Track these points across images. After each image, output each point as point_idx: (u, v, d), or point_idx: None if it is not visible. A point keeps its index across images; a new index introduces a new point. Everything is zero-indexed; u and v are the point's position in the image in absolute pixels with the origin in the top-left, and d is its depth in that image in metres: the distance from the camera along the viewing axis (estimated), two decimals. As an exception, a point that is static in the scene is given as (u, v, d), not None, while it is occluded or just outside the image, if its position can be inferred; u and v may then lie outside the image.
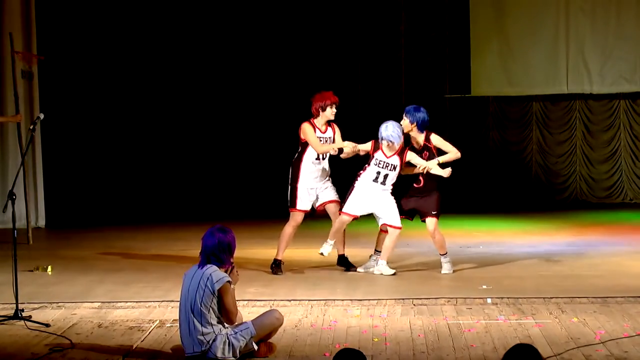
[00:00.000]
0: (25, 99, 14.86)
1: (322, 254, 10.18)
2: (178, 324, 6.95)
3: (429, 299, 8.77)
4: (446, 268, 10.29)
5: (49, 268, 10.68)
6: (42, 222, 15.57)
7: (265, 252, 11.59)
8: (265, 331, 6.89)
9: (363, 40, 17.90)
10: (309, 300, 8.81)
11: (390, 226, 10.09)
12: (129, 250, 12.47)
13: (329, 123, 10.32)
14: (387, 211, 10.09)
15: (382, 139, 10.00)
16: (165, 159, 17.46)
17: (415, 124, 10.16)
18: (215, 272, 6.74)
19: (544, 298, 8.70)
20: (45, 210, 15.67)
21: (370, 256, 10.44)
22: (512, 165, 18.50)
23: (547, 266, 10.73)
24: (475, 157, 18.35)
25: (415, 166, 10.14)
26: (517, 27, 18.10)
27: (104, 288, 9.62)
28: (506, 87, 18.26)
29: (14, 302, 8.11)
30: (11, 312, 8.13)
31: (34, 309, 8.54)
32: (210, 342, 6.69)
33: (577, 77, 18.09)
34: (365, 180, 10.10)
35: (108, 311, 8.51)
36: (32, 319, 7.99)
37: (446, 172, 10.04)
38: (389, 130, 9.96)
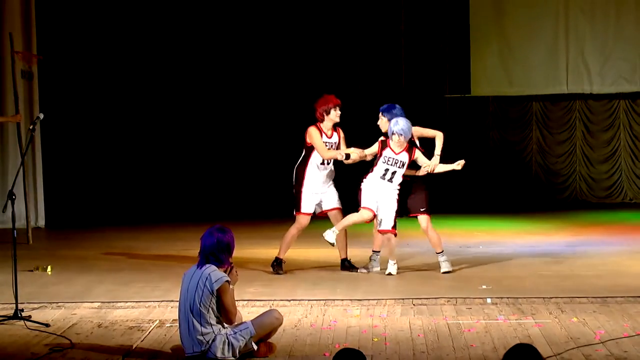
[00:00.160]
0: (25, 99, 14.86)
1: (328, 240, 10.11)
2: (178, 324, 6.95)
3: (429, 298, 8.77)
4: (445, 266, 10.30)
5: (49, 268, 10.68)
6: (41, 222, 15.57)
7: (265, 252, 11.59)
8: (265, 331, 6.89)
9: (363, 40, 17.90)
10: (308, 300, 8.81)
11: (386, 231, 10.07)
12: (129, 250, 12.47)
13: (334, 128, 10.33)
14: (387, 214, 10.08)
15: (392, 134, 10.03)
16: (165, 159, 17.46)
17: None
18: (214, 272, 6.74)
19: (543, 298, 8.70)
20: (45, 210, 15.68)
21: (370, 257, 10.45)
22: (512, 165, 18.50)
23: (546, 266, 10.73)
24: (475, 157, 18.35)
25: (417, 168, 10.18)
26: (517, 27, 18.10)
27: (103, 288, 9.62)
28: (506, 87, 18.27)
29: (14, 302, 8.10)
30: (11, 312, 8.13)
31: (33, 309, 8.54)
32: (210, 342, 6.69)
33: (577, 77, 18.09)
34: (372, 177, 10.11)
35: (108, 311, 8.51)
36: (31, 319, 7.99)
37: (458, 165, 10.24)
38: (400, 125, 10.02)
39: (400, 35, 18.16)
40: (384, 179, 10.08)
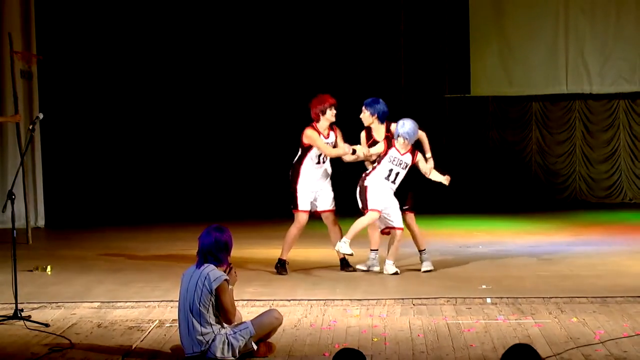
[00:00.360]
0: (24, 98, 14.86)
1: (345, 253, 10.13)
2: (177, 324, 6.95)
3: (429, 298, 8.77)
4: (427, 265, 10.29)
5: (49, 268, 10.67)
6: (41, 222, 15.57)
7: (265, 252, 11.60)
8: (265, 331, 6.88)
9: (362, 40, 17.90)
10: (308, 300, 8.81)
11: (394, 228, 10.10)
12: (129, 250, 12.47)
13: (331, 127, 10.33)
14: (394, 212, 10.10)
15: (398, 136, 10.05)
16: (165, 159, 17.46)
17: (376, 115, 10.32)
18: (212, 271, 6.74)
19: (543, 298, 8.69)
20: (44, 210, 15.67)
21: (369, 256, 10.45)
22: (511, 165, 18.50)
23: (546, 266, 10.73)
24: (474, 157, 18.38)
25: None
26: (516, 27, 18.10)
27: (103, 288, 9.62)
28: (506, 87, 18.27)
29: (14, 302, 8.10)
30: (11, 312, 8.12)
31: (33, 308, 8.54)
32: (210, 342, 6.69)
33: (577, 77, 18.09)
34: (376, 177, 10.10)
35: (107, 311, 8.51)
36: (31, 319, 7.99)
37: (446, 180, 10.26)
38: (406, 127, 10.05)
39: (399, 35, 18.16)
40: (388, 179, 10.08)
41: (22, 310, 8.15)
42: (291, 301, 8.76)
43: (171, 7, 17.43)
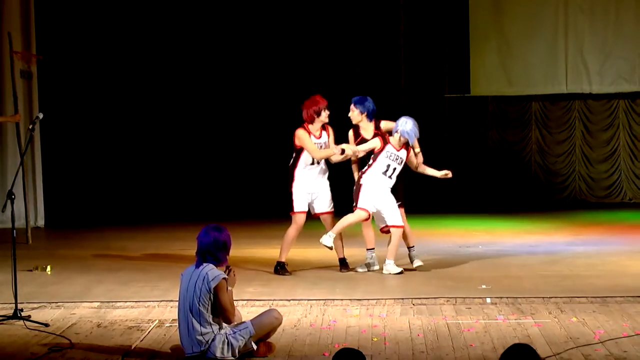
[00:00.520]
0: (24, 98, 14.87)
1: (325, 245, 10.14)
2: (177, 325, 6.95)
3: (428, 298, 8.76)
4: (418, 261, 10.28)
5: (48, 268, 10.67)
6: (41, 222, 15.58)
7: (264, 252, 11.60)
8: (264, 330, 6.88)
9: (362, 40, 17.89)
10: (308, 300, 8.81)
11: (394, 226, 10.12)
12: (128, 250, 12.48)
13: (323, 127, 10.35)
14: (391, 210, 10.12)
15: (396, 131, 10.09)
16: (164, 159, 17.46)
17: (365, 114, 10.35)
18: (211, 271, 6.74)
19: (543, 298, 8.69)
20: (44, 210, 15.68)
21: (367, 256, 10.45)
22: (511, 164, 18.51)
23: (546, 266, 10.73)
24: (474, 156, 18.38)
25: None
26: (516, 27, 18.11)
27: (103, 288, 9.62)
28: (505, 86, 18.27)
29: (13, 301, 8.09)
30: (10, 311, 8.12)
31: (33, 308, 8.54)
32: (209, 341, 6.69)
33: (576, 76, 18.10)
34: (373, 174, 10.12)
35: (107, 311, 8.51)
36: (31, 319, 7.98)
37: (443, 174, 10.32)
38: (409, 126, 10.11)
39: (399, 35, 18.16)
40: (385, 175, 10.11)
41: (21, 310, 8.14)
42: (291, 301, 8.76)
43: (171, 7, 17.42)
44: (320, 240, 10.13)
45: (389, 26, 18.08)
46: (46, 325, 7.86)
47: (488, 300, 8.69)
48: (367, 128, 10.41)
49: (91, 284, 9.83)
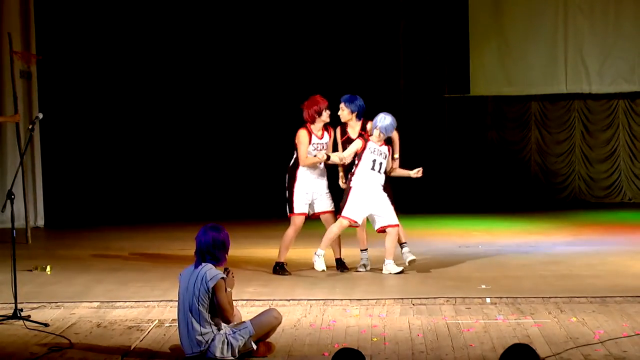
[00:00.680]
0: (24, 98, 14.87)
1: (318, 269, 10.13)
2: (177, 325, 6.94)
3: (428, 298, 8.76)
4: (409, 256, 10.27)
5: (48, 268, 10.67)
6: (41, 222, 15.58)
7: (264, 252, 11.60)
8: (264, 330, 6.88)
9: (362, 40, 17.88)
10: (307, 300, 8.80)
11: (390, 226, 10.12)
12: (128, 250, 12.48)
13: (324, 127, 10.35)
14: (385, 210, 10.11)
15: (375, 127, 10.10)
16: (163, 159, 17.45)
17: (355, 113, 10.35)
18: (209, 270, 6.74)
19: (542, 298, 8.69)
20: (44, 210, 15.68)
21: (361, 256, 10.45)
22: (511, 164, 18.51)
23: (545, 266, 10.72)
24: (474, 156, 18.38)
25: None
26: (515, 27, 18.11)
27: (102, 288, 9.62)
28: (505, 86, 18.27)
29: (13, 301, 8.09)
30: (10, 311, 8.12)
31: (32, 308, 8.54)
32: (209, 342, 6.69)
33: (576, 76, 18.10)
34: (362, 172, 10.11)
35: (107, 311, 8.51)
36: (31, 319, 7.98)
37: (413, 173, 10.34)
38: (387, 122, 10.12)
39: (399, 35, 18.16)
40: (374, 170, 10.10)
41: (21, 310, 8.14)
42: (290, 301, 8.76)
43: (171, 7, 17.42)
44: (315, 267, 10.10)
45: (389, 26, 18.07)
46: (46, 325, 7.86)
47: (488, 300, 8.69)
48: (354, 127, 10.41)
49: (91, 284, 9.83)
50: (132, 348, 7.16)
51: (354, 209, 10.09)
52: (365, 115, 10.43)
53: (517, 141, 18.68)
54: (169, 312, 8.28)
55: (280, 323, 7.07)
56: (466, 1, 18.05)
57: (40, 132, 15.34)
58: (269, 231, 13.50)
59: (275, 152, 15.57)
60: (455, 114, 18.42)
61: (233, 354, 6.72)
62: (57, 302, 8.81)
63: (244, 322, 6.92)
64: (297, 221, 10.31)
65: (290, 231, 10.33)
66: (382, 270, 10.18)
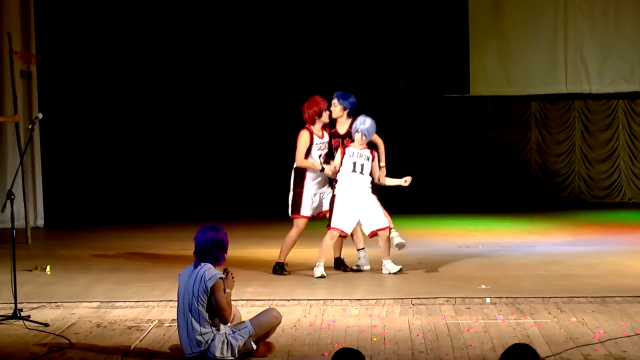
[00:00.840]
0: (23, 98, 14.87)
1: (318, 277, 10.11)
2: (177, 325, 6.94)
3: (428, 298, 8.76)
4: (398, 239, 10.22)
5: (48, 268, 10.67)
6: (40, 222, 15.57)
7: (264, 251, 11.60)
8: (264, 330, 6.88)
9: (362, 41, 17.88)
10: (307, 299, 8.80)
11: (379, 230, 10.08)
12: (128, 250, 12.48)
13: (324, 127, 10.36)
14: (373, 214, 10.06)
15: (357, 131, 10.06)
16: (163, 159, 17.45)
17: (348, 110, 10.35)
18: (208, 270, 6.74)
19: (542, 298, 8.69)
20: (44, 209, 15.68)
21: (358, 256, 10.45)
22: (511, 164, 18.50)
23: (545, 266, 10.72)
24: (474, 156, 18.38)
25: None
26: (516, 27, 18.11)
27: (102, 288, 9.62)
28: (505, 86, 18.27)
29: (13, 301, 8.09)
30: (10, 311, 8.12)
31: (32, 308, 8.54)
32: (209, 342, 6.69)
33: (576, 76, 18.09)
34: (343, 178, 10.06)
35: (107, 311, 8.51)
36: (30, 319, 7.99)
37: (404, 181, 10.26)
38: (367, 124, 10.08)
39: (399, 35, 18.16)
40: (356, 171, 10.04)
41: (21, 310, 8.14)
42: (290, 301, 8.75)
43: (171, 7, 17.42)
44: (315, 277, 10.08)
45: (389, 26, 18.07)
46: (46, 325, 7.86)
47: (487, 300, 8.69)
48: (343, 125, 10.40)
49: (91, 284, 9.83)
50: (132, 348, 7.16)
51: (341, 219, 10.04)
52: (356, 114, 10.41)
53: (517, 141, 18.68)
54: (168, 312, 8.28)
55: (280, 323, 7.07)
56: (466, 1, 18.05)
57: (40, 132, 15.34)
58: (269, 231, 13.51)
59: (275, 152, 15.59)
60: (455, 114, 18.41)
61: (233, 354, 6.72)
62: (57, 302, 8.81)
63: (243, 322, 6.92)
64: (300, 223, 10.30)
65: (293, 233, 10.33)
66: (381, 270, 10.18)
